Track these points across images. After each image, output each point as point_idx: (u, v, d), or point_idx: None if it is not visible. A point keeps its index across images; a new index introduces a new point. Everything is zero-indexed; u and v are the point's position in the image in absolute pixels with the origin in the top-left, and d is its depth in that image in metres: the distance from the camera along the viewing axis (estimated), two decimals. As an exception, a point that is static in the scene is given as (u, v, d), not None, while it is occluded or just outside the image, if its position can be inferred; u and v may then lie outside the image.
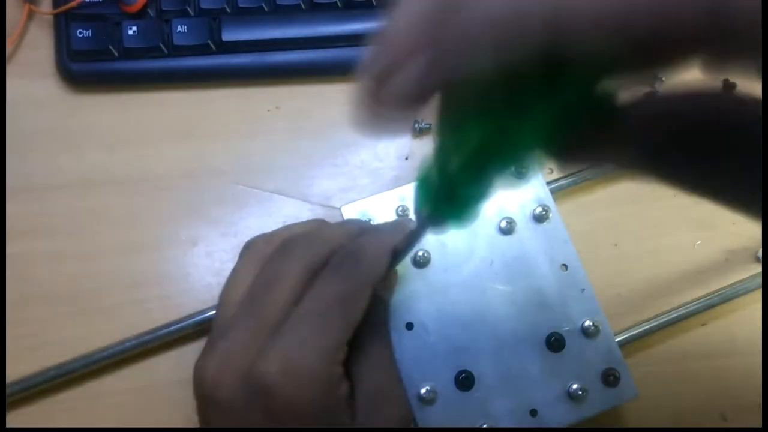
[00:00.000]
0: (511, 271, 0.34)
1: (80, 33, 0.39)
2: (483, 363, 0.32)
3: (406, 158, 0.41)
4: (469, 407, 0.31)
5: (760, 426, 0.36)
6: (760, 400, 0.37)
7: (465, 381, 0.31)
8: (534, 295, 0.33)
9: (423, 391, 0.31)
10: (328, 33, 0.41)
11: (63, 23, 0.39)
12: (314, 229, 0.31)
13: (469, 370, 0.32)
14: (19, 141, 0.39)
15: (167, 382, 0.35)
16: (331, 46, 0.41)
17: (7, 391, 0.32)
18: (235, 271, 0.31)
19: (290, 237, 0.30)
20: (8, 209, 0.37)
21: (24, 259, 0.37)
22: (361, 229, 0.30)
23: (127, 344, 0.33)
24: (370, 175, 0.40)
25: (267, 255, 0.30)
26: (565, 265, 0.34)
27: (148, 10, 0.39)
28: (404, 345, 0.32)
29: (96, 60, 0.39)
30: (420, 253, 0.33)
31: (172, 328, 0.34)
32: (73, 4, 0.38)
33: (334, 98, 0.41)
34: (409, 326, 0.32)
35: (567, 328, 0.33)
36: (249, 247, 0.32)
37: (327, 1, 0.41)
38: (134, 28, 0.39)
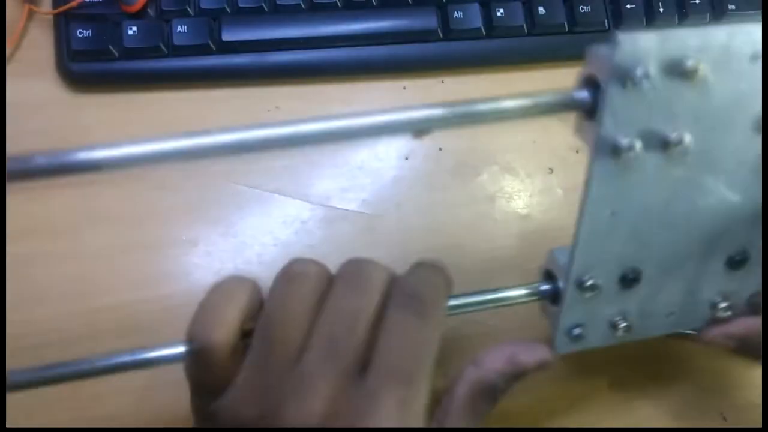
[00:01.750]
0: (750, 180, 0.27)
1: (80, 33, 0.39)
2: (654, 265, 0.28)
3: (406, 158, 0.41)
4: (618, 303, 0.29)
5: (760, 426, 0.36)
6: (760, 400, 0.37)
7: (631, 281, 0.28)
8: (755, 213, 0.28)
9: (587, 278, 0.28)
10: (328, 33, 0.41)
11: (63, 23, 0.39)
12: (364, 260, 0.28)
13: (640, 269, 0.28)
14: (18, 140, 0.38)
15: (167, 382, 0.35)
16: (331, 46, 0.41)
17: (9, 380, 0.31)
18: (282, 298, 0.26)
19: (352, 268, 0.27)
20: (8, 209, 0.37)
21: (24, 259, 0.37)
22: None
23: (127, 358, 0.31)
24: (370, 175, 0.40)
25: (322, 285, 0.26)
26: None
27: (148, 10, 0.39)
28: (594, 228, 0.27)
29: (96, 60, 0.39)
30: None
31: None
32: (73, 4, 0.38)
33: (334, 98, 0.41)
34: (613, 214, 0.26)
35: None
36: (300, 274, 0.26)
37: (327, 1, 0.41)
38: (134, 28, 0.39)
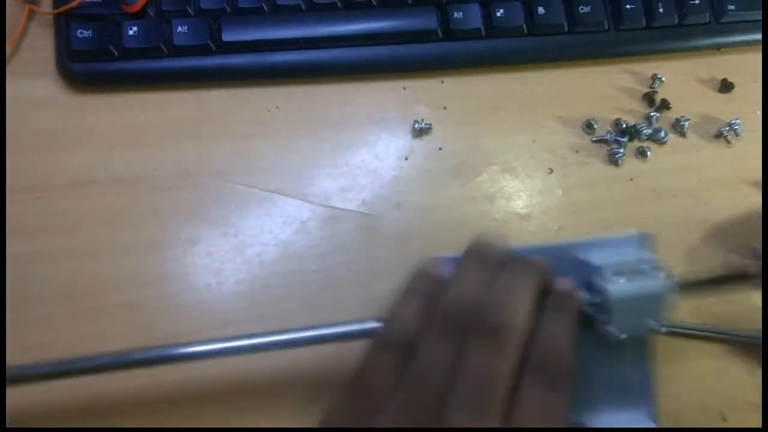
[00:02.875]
0: None
1: (80, 33, 0.39)
2: None
3: (406, 158, 0.41)
4: None
5: (760, 426, 0.36)
6: (760, 400, 0.37)
7: None
8: None
9: None
10: (328, 33, 0.41)
11: (63, 23, 0.39)
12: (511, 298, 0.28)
13: None
14: (19, 141, 0.39)
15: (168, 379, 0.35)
16: (330, 47, 0.41)
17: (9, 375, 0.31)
18: (427, 351, 0.27)
19: (493, 316, 0.27)
20: (8, 209, 0.37)
21: (24, 259, 0.37)
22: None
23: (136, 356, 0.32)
24: (370, 175, 0.40)
25: (454, 326, 0.27)
26: None
27: (149, 11, 0.39)
28: None
29: (96, 60, 0.39)
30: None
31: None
32: (73, 4, 0.38)
33: (334, 98, 0.41)
34: None
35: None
36: (447, 316, 0.27)
37: (327, 2, 0.41)
38: (134, 29, 0.39)
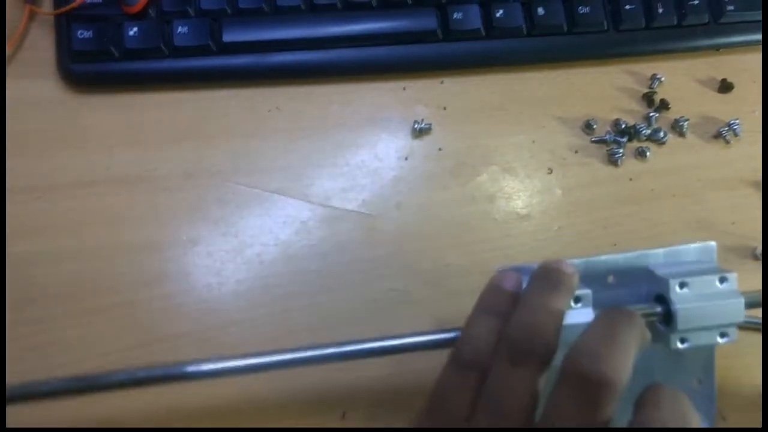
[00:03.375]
0: None
1: (81, 34, 0.39)
2: None
3: (406, 158, 0.41)
4: None
5: (760, 426, 0.36)
6: (760, 400, 0.37)
7: None
8: None
9: None
10: (328, 34, 0.41)
11: (64, 24, 0.39)
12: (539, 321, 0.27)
13: None
14: (19, 141, 0.39)
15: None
16: (331, 47, 0.41)
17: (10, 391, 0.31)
18: (498, 376, 0.27)
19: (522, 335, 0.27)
20: (8, 209, 0.37)
21: (24, 259, 0.37)
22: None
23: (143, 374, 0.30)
24: (370, 175, 0.40)
25: (520, 352, 0.26)
26: None
27: (149, 11, 0.39)
28: None
29: (97, 61, 0.39)
30: None
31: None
32: (74, 4, 0.38)
33: (334, 99, 0.42)
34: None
35: None
36: (515, 339, 0.27)
37: (327, 2, 0.41)
38: (135, 29, 0.39)
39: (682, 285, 0.30)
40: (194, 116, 0.40)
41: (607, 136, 0.42)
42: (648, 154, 0.42)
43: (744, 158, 0.43)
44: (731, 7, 0.44)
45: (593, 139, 0.43)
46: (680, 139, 0.43)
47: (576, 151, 0.42)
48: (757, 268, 0.40)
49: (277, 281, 0.38)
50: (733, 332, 0.30)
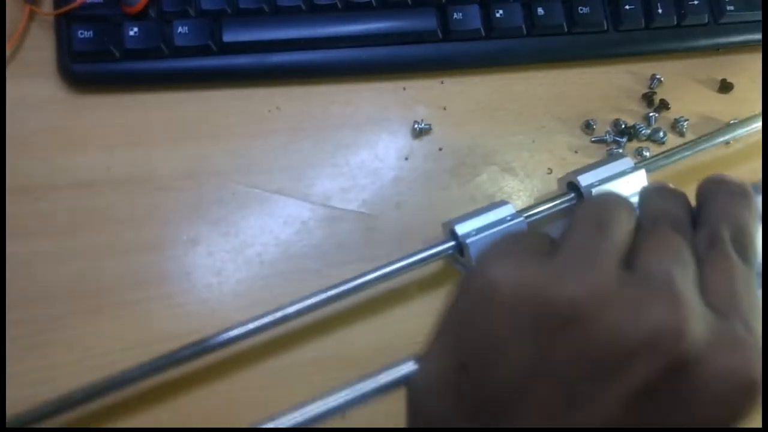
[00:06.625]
0: None
1: (81, 34, 0.39)
2: None
3: (406, 158, 0.41)
4: None
5: (760, 426, 0.36)
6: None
7: None
8: None
9: None
10: (329, 34, 0.41)
11: (64, 24, 0.39)
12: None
13: None
14: (19, 141, 0.39)
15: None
16: (331, 47, 0.41)
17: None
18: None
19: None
20: (8, 209, 0.37)
21: (24, 259, 0.37)
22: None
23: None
24: (370, 175, 0.40)
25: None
26: None
27: (149, 11, 0.39)
28: None
29: (97, 61, 0.39)
30: None
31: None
32: (74, 4, 0.38)
33: (335, 99, 0.42)
34: None
35: None
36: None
37: (327, 2, 0.41)
38: (135, 29, 0.39)
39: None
40: (194, 116, 0.40)
41: (607, 137, 0.42)
42: (647, 154, 0.42)
43: (744, 158, 0.43)
44: (731, 7, 0.44)
45: (593, 139, 0.43)
46: (680, 140, 0.43)
47: (576, 151, 0.42)
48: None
49: (278, 281, 0.38)
50: None
